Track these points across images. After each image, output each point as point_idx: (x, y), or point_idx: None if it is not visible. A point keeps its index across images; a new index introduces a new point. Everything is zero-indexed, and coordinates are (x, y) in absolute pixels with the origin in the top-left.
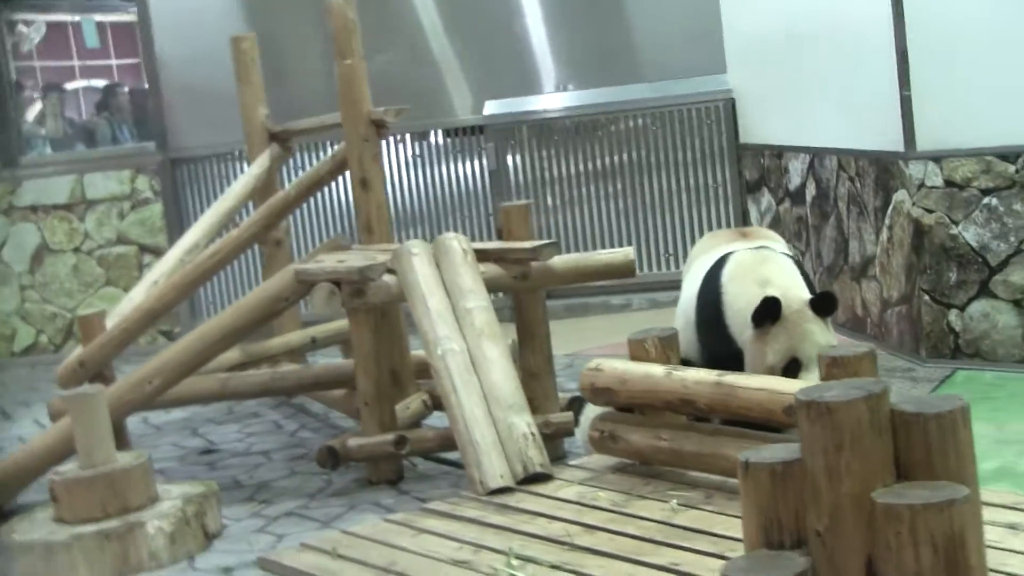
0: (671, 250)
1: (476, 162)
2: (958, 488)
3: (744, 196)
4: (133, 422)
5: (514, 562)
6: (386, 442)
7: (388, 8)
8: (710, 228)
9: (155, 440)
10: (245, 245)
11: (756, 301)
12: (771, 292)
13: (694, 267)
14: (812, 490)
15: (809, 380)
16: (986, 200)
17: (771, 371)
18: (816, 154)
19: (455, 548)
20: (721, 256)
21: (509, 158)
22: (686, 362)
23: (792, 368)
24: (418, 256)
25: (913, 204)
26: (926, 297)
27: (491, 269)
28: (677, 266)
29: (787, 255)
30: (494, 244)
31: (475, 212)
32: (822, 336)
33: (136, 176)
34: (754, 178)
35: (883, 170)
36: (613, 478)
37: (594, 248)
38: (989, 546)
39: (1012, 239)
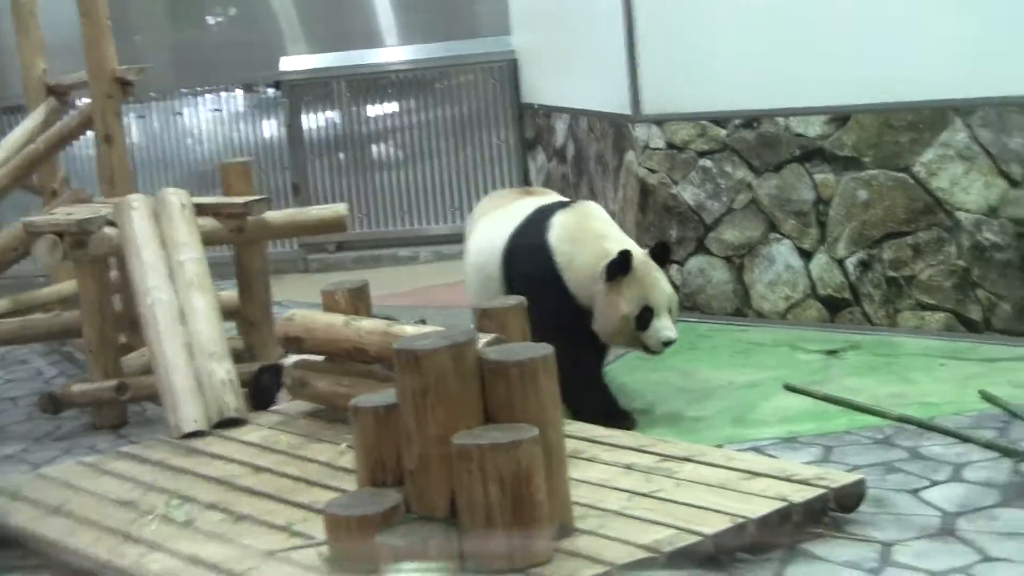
0: (456, 204)
1: (273, 119)
2: (528, 429)
3: (525, 154)
4: None
5: (173, 502)
6: (107, 388)
7: None
8: (495, 185)
9: None
10: None
11: (599, 258)
12: (611, 246)
13: (481, 225)
14: (405, 432)
15: (662, 325)
16: (702, 162)
17: (626, 320)
18: (574, 115)
19: (128, 489)
20: (531, 216)
21: (303, 115)
22: None
23: (645, 315)
24: (137, 210)
25: (639, 165)
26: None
27: (208, 223)
28: (461, 219)
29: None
30: (212, 199)
31: (271, 167)
32: (667, 285)
33: None
34: (531, 137)
35: (618, 132)
36: (302, 422)
37: (375, 203)
38: (597, 483)
39: (724, 199)
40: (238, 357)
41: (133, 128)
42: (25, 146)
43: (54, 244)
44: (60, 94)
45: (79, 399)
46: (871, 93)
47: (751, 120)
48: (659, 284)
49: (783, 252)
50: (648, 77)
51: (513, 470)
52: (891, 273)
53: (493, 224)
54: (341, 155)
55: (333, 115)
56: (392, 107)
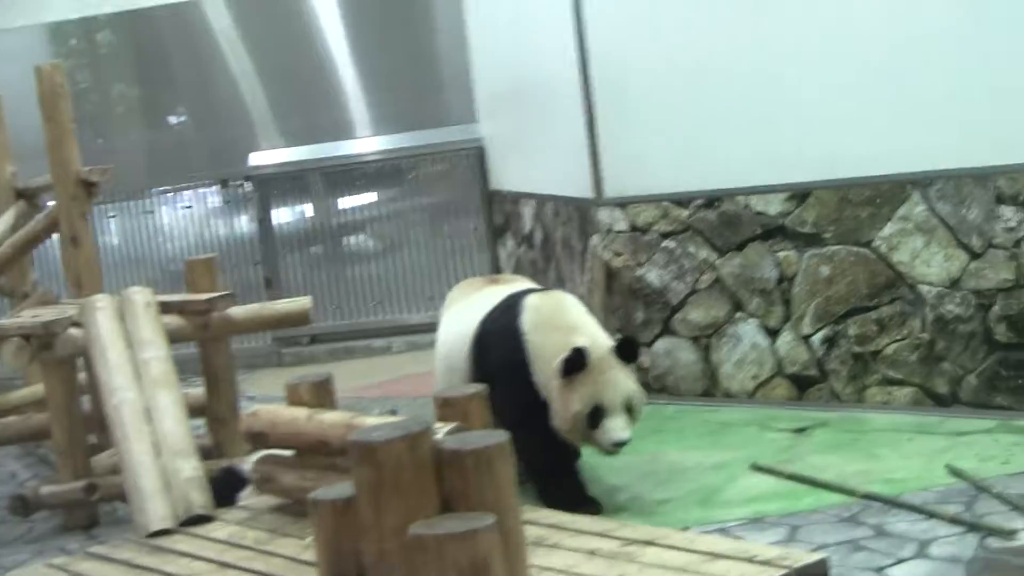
0: (429, 293)
1: (245, 214)
2: (485, 517)
3: (495, 240)
4: None
5: None
6: (76, 489)
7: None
8: (467, 273)
9: None
10: None
11: (563, 350)
12: (579, 340)
13: (449, 315)
14: (363, 525)
15: (613, 426)
16: (665, 243)
17: (576, 418)
18: (540, 200)
19: None
20: (505, 302)
21: (275, 209)
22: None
23: (596, 414)
24: (102, 310)
25: (603, 248)
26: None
27: (174, 320)
28: (434, 308)
29: (572, 298)
30: (176, 296)
31: (243, 261)
32: (624, 382)
33: None
34: (500, 223)
35: (582, 216)
36: (269, 517)
37: (348, 294)
38: (560, 570)
39: (688, 279)
40: (207, 454)
41: (107, 227)
42: None
43: (20, 347)
44: (29, 197)
45: (49, 501)
46: (829, 169)
47: (712, 200)
48: (615, 382)
49: (749, 331)
50: (609, 160)
51: (471, 559)
52: (857, 349)
53: (461, 313)
54: (313, 247)
55: (304, 208)
56: (362, 198)
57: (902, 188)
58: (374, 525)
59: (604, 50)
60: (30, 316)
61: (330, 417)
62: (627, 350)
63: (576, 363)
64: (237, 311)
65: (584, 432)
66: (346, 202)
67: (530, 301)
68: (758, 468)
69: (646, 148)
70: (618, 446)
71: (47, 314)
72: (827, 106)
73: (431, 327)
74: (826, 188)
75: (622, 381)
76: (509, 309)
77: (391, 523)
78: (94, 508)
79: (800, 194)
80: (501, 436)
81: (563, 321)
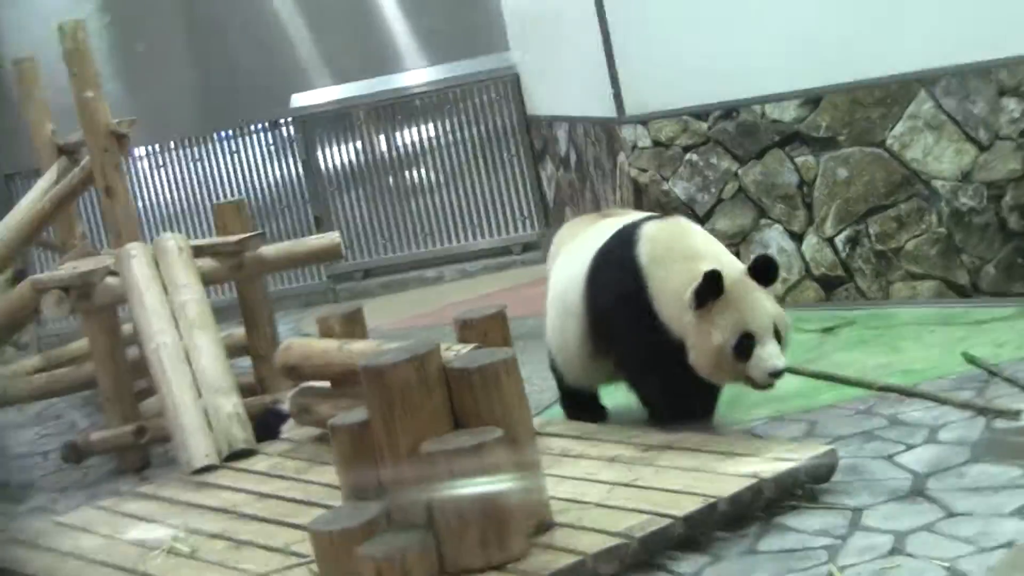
0: (476, 222)
1: (290, 155)
2: (493, 431)
3: (536, 165)
4: None
5: (180, 535)
6: (125, 433)
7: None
8: (509, 198)
9: None
10: (6, 260)
11: (691, 279)
12: (704, 266)
13: (563, 256)
14: (378, 446)
15: (767, 353)
16: (688, 156)
17: (721, 351)
18: (571, 123)
19: (140, 527)
20: (619, 234)
21: (320, 148)
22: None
23: (745, 344)
24: (136, 258)
25: (630, 165)
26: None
27: (207, 263)
28: (483, 235)
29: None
30: (208, 240)
31: (292, 202)
32: (771, 304)
33: None
34: (540, 148)
35: (609, 135)
36: (309, 448)
37: (397, 228)
38: (581, 478)
39: (713, 190)
40: (251, 391)
41: (155, 176)
42: (41, 206)
43: (60, 298)
44: (69, 153)
45: (99, 447)
46: (838, 73)
47: (729, 111)
48: (759, 305)
49: (775, 237)
50: (627, 79)
51: (480, 472)
52: (879, 247)
53: (572, 253)
54: (360, 184)
55: (348, 146)
56: (404, 132)
57: (909, 86)
58: (388, 445)
59: None
60: (70, 268)
61: (359, 346)
62: (764, 271)
63: (710, 290)
64: (268, 250)
65: (732, 367)
66: (389, 137)
67: (646, 230)
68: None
69: (661, 64)
70: (775, 376)
71: (85, 265)
72: (833, 11)
73: (480, 253)
74: (837, 91)
75: (767, 304)
76: (624, 241)
77: (404, 442)
78: (145, 450)
79: (813, 99)
80: (507, 353)
81: (685, 248)
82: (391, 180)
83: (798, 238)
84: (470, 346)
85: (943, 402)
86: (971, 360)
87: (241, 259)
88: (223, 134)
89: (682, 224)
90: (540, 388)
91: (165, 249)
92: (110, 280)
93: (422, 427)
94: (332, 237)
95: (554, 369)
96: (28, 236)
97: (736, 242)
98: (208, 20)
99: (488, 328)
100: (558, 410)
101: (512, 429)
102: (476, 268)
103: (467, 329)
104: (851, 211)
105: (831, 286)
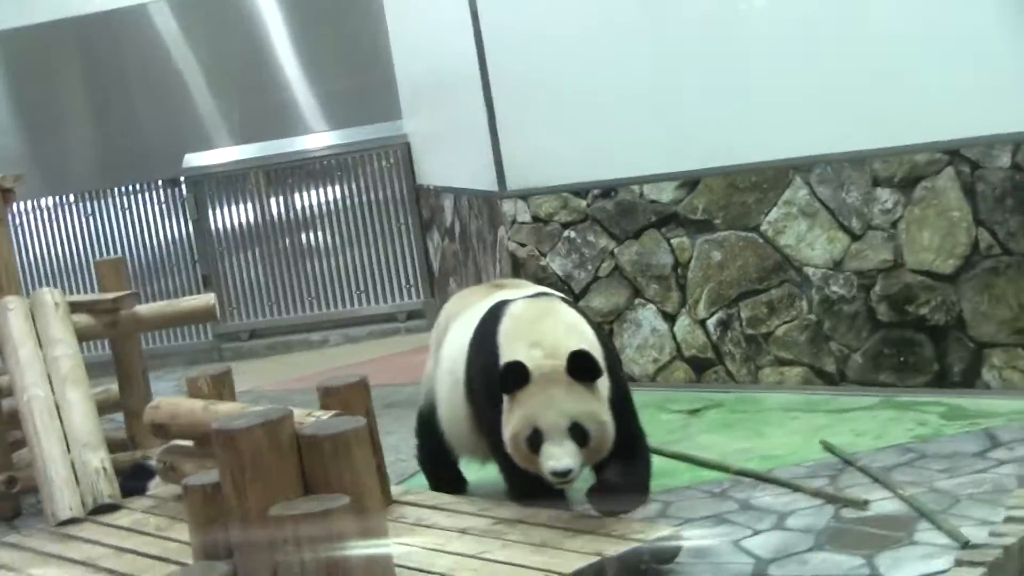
0: (362, 287)
1: (182, 213)
2: (339, 498)
3: (423, 234)
4: None
5: None
6: None
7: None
8: (396, 266)
9: None
10: None
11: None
12: (535, 353)
13: (454, 327)
14: (228, 508)
15: (549, 453)
16: (566, 233)
17: (515, 441)
18: (456, 194)
19: None
20: (492, 308)
21: (210, 208)
22: (433, 438)
23: (534, 440)
24: (13, 310)
25: (509, 238)
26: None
27: (83, 319)
28: (369, 302)
29: (566, 301)
30: (85, 296)
31: (181, 261)
32: (572, 403)
33: None
34: (427, 217)
35: (491, 208)
36: (172, 505)
37: (285, 290)
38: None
39: (590, 268)
40: (123, 447)
41: (47, 226)
42: None
43: None
44: None
45: None
46: (717, 156)
47: (608, 190)
48: (555, 402)
49: (648, 316)
50: (510, 153)
51: (325, 537)
52: (749, 331)
53: (463, 326)
54: (249, 245)
55: (239, 207)
56: (296, 195)
57: (785, 173)
58: (238, 507)
59: (500, 48)
60: None
61: (224, 408)
62: (576, 367)
63: (508, 380)
64: (144, 309)
65: (529, 458)
66: (281, 200)
67: (512, 309)
68: None
69: (544, 141)
70: (556, 476)
71: None
72: (713, 97)
73: (363, 319)
74: (714, 175)
75: (565, 401)
76: (492, 318)
77: (253, 505)
78: (16, 500)
79: (691, 181)
80: (359, 422)
81: (533, 330)
82: (281, 243)
83: (671, 319)
84: (330, 413)
85: (795, 489)
86: (828, 448)
87: (117, 316)
88: (118, 190)
89: (547, 304)
90: (407, 456)
91: (42, 303)
92: None
93: (272, 491)
94: (207, 298)
95: (426, 439)
96: None
97: (611, 320)
98: (109, 74)
99: (350, 396)
100: (421, 479)
101: (360, 497)
102: (361, 334)
103: (329, 396)
104: (723, 294)
105: (701, 368)
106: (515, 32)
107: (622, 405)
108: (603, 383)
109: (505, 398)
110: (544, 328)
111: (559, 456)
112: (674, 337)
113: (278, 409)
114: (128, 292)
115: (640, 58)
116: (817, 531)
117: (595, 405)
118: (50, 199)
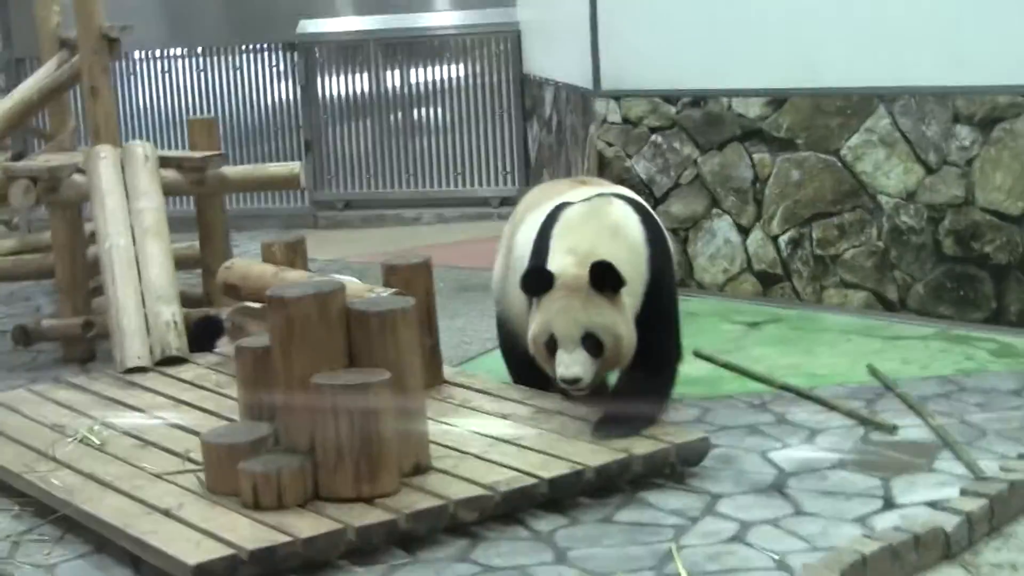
0: (459, 169)
1: (291, 79)
2: (379, 373)
3: (524, 123)
4: None
5: (95, 427)
6: (74, 324)
7: None
8: (495, 151)
9: None
10: None
11: (560, 265)
12: (568, 259)
13: (525, 223)
14: (274, 372)
15: (559, 360)
16: (653, 137)
17: (536, 344)
18: (557, 87)
19: (62, 414)
20: (555, 208)
21: (318, 76)
22: (506, 327)
23: (551, 345)
24: (104, 160)
25: (598, 137)
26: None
27: (171, 174)
28: (464, 184)
29: (629, 205)
30: (175, 152)
31: (286, 126)
32: (589, 313)
33: None
34: (530, 107)
35: (585, 105)
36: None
37: (383, 165)
38: (470, 429)
39: (672, 174)
40: (197, 303)
41: (156, 78)
42: (33, 97)
43: (27, 188)
44: (71, 47)
45: (48, 334)
46: (806, 77)
47: (698, 99)
48: (568, 312)
49: (723, 227)
50: (607, 53)
51: (362, 409)
52: (818, 251)
53: (531, 223)
54: (352, 117)
55: (347, 78)
56: (404, 72)
57: (870, 101)
58: (283, 372)
59: None
60: (43, 160)
61: (292, 275)
62: (598, 277)
63: (530, 284)
64: (230, 170)
65: (548, 361)
66: (389, 74)
67: (571, 209)
68: (698, 355)
69: (641, 45)
70: (566, 383)
71: (56, 159)
72: (807, 15)
73: (458, 201)
74: (802, 95)
75: (579, 311)
76: (553, 215)
77: (298, 372)
78: (90, 343)
79: (778, 99)
80: (407, 302)
81: (576, 235)
82: (385, 117)
83: (745, 232)
84: (391, 290)
85: (831, 407)
86: (873, 372)
87: (203, 175)
88: (234, 48)
89: (603, 208)
90: (471, 340)
91: (133, 155)
92: (77, 177)
93: (317, 360)
94: (292, 167)
95: (500, 329)
96: (15, 123)
97: (687, 227)
98: None
99: (411, 276)
100: (480, 363)
101: (401, 374)
102: (454, 215)
103: (392, 274)
104: (798, 213)
105: (769, 283)
106: None
107: (657, 317)
108: (628, 294)
109: (532, 301)
110: (585, 234)
111: (568, 364)
112: (746, 250)
113: (332, 282)
114: (216, 152)
115: None
116: (844, 450)
117: (613, 317)
118: (166, 50)
